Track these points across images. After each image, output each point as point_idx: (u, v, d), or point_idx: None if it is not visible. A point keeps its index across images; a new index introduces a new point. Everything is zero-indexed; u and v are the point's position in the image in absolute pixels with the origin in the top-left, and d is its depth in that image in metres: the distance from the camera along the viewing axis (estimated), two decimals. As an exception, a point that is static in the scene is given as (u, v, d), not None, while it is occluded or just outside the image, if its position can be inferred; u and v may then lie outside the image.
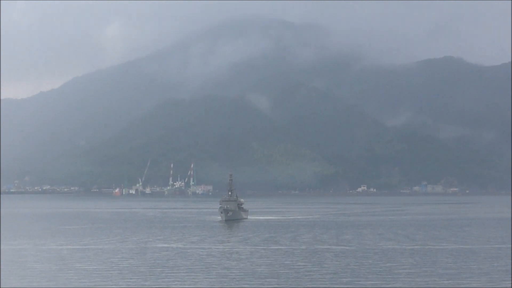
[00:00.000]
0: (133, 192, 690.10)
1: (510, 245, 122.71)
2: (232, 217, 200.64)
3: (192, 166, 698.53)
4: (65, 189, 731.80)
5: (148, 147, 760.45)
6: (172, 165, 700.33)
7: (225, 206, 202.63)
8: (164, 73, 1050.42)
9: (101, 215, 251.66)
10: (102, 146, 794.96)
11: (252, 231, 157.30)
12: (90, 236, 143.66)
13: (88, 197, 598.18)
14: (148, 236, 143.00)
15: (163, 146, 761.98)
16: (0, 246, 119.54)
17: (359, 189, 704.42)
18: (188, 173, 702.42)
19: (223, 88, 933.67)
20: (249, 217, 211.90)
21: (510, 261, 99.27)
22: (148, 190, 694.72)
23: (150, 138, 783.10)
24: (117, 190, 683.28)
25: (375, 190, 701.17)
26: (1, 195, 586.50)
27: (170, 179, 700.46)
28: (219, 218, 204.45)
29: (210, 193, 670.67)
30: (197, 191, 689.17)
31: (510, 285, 78.52)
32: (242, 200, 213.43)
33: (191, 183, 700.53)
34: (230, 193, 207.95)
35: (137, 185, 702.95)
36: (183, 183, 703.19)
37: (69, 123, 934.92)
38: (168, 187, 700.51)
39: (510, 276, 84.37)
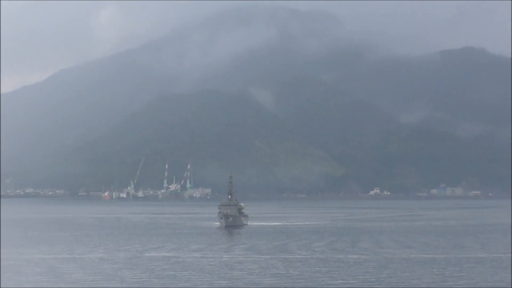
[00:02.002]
0: (124, 196, 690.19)
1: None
2: (233, 223, 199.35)
3: (189, 167, 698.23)
4: (50, 193, 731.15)
5: (141, 146, 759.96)
6: (167, 166, 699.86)
7: (225, 211, 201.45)
8: (159, 65, 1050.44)
9: (89, 221, 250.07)
10: (91, 145, 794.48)
11: (257, 239, 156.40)
12: (79, 245, 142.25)
13: (75, 201, 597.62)
14: (142, 245, 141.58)
15: (157, 145, 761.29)
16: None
17: (372, 192, 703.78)
18: (185, 175, 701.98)
19: (224, 81, 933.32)
20: (249, 223, 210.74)
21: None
22: (140, 194, 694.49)
23: (143, 136, 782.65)
24: (106, 193, 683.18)
25: (389, 193, 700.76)
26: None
27: (165, 181, 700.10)
28: (218, 224, 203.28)
29: (209, 197, 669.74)
30: (194, 195, 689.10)
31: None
32: (242, 204, 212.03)
33: (188, 185, 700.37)
34: (230, 196, 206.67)
35: (129, 188, 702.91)
36: (179, 186, 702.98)
37: (54, 120, 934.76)
38: (163, 190, 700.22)
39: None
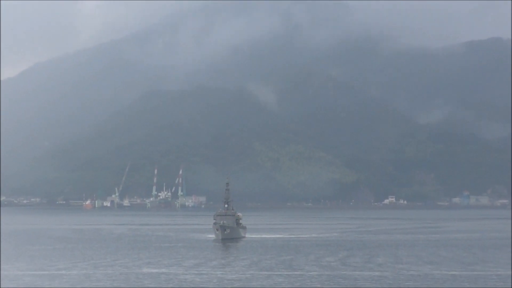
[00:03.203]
0: (108, 205, 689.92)
1: None
2: (230, 236, 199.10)
3: (180, 172, 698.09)
4: (25, 201, 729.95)
5: (127, 149, 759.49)
6: (156, 171, 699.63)
7: (221, 222, 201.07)
8: (147, 58, 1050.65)
9: (66, 233, 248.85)
10: (70, 148, 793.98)
11: (259, 253, 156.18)
12: (60, 259, 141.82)
13: (52, 210, 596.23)
14: (131, 260, 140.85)
15: (145, 148, 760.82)
16: None
17: (386, 201, 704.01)
18: (176, 181, 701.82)
19: (220, 77, 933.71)
20: (247, 235, 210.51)
21: None
22: (126, 202, 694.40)
23: (129, 138, 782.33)
24: (88, 202, 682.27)
25: (405, 202, 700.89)
26: None
27: (154, 188, 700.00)
28: (214, 236, 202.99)
29: (203, 206, 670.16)
30: (186, 203, 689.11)
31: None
32: (240, 214, 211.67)
33: (180, 193, 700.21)
34: (226, 205, 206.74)
35: (113, 196, 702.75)
36: (169, 194, 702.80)
37: (29, 119, 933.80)
38: (151, 199, 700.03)
39: None
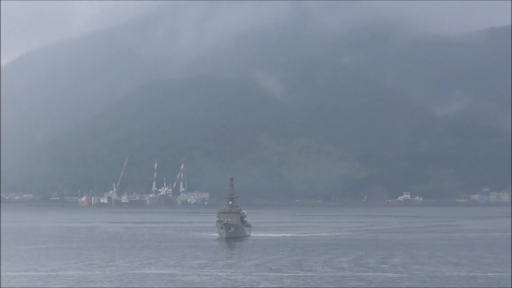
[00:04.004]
0: (105, 201, 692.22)
1: None
2: (234, 234, 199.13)
3: (182, 167, 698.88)
4: (17, 197, 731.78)
5: (125, 142, 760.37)
6: (156, 166, 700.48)
7: (226, 220, 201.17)
8: (146, 46, 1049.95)
9: (60, 231, 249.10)
10: (65, 142, 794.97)
11: (267, 253, 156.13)
12: (58, 259, 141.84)
13: (46, 207, 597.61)
14: (131, 260, 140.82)
15: (144, 142, 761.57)
16: None
17: (401, 198, 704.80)
18: (177, 177, 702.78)
19: (224, 67, 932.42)
20: (252, 234, 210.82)
21: None
22: (124, 199, 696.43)
23: (127, 130, 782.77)
24: (83, 198, 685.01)
25: (421, 199, 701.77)
26: None
27: (154, 184, 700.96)
28: (217, 235, 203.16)
29: (206, 203, 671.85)
30: (188, 200, 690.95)
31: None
32: (244, 211, 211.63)
33: (181, 189, 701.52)
34: (231, 202, 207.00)
35: (110, 192, 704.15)
36: (170, 190, 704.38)
37: (20, 111, 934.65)
38: (151, 195, 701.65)
39: None
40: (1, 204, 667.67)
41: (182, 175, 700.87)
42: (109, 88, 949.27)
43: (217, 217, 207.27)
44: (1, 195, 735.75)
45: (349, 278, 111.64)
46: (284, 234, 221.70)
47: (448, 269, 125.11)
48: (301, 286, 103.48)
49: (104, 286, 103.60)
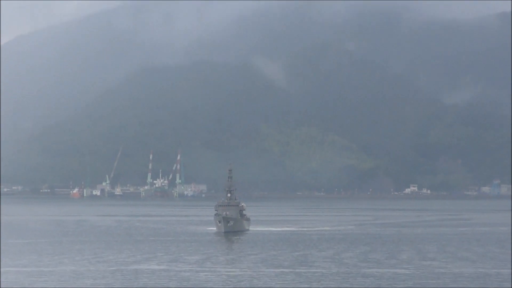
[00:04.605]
0: (98, 194, 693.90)
1: None
2: (233, 228, 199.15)
3: (178, 157, 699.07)
4: (5, 189, 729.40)
5: (119, 131, 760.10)
6: (151, 157, 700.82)
7: (224, 213, 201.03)
8: (142, 30, 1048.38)
9: (53, 225, 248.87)
10: (56, 130, 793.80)
11: (268, 248, 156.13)
12: (50, 253, 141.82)
13: (36, 199, 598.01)
14: (126, 255, 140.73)
15: (139, 131, 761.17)
16: None
17: (407, 190, 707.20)
18: (174, 168, 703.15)
19: (223, 51, 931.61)
20: (251, 228, 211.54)
21: None
22: (118, 191, 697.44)
23: (121, 119, 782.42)
24: (75, 190, 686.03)
25: (429, 191, 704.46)
26: None
27: (149, 175, 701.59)
28: (215, 229, 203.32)
29: (203, 195, 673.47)
30: (185, 192, 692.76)
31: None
32: (243, 204, 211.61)
33: (178, 181, 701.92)
34: (229, 195, 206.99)
35: (104, 183, 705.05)
36: (166, 182, 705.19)
37: (9, 98, 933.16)
38: (146, 187, 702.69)
39: None
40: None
41: (178, 166, 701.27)
42: (103, 75, 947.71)
43: (215, 210, 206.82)
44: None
45: (354, 275, 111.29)
46: (285, 228, 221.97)
47: (458, 265, 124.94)
48: (305, 284, 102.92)
49: (97, 282, 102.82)
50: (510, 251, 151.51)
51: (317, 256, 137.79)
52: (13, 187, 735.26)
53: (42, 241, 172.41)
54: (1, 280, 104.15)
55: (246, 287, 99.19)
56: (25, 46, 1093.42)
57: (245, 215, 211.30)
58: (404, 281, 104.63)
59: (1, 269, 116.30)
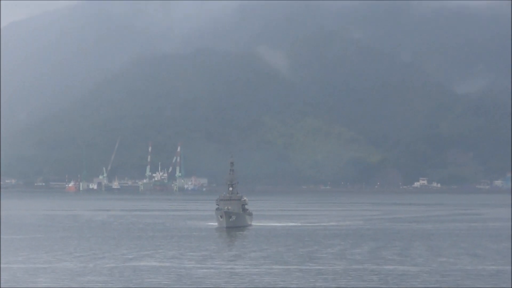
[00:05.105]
0: (95, 187, 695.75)
1: None
2: (235, 223, 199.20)
3: (178, 150, 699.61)
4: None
5: (116, 123, 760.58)
6: (150, 149, 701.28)
7: (226, 208, 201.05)
8: (140, 16, 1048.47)
9: (48, 220, 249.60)
10: (51, 122, 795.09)
11: (272, 244, 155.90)
12: (48, 249, 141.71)
13: (30, 193, 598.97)
14: (126, 251, 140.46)
15: (137, 122, 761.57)
16: None
17: (417, 184, 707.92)
18: (173, 161, 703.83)
19: (225, 39, 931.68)
20: (253, 223, 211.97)
21: None
22: (116, 185, 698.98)
23: (119, 109, 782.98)
24: (71, 184, 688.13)
25: (439, 185, 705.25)
26: None
27: (148, 168, 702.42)
28: (216, 224, 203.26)
29: (204, 189, 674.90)
30: (185, 186, 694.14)
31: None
32: (246, 199, 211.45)
33: (177, 174, 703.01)
34: (231, 189, 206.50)
35: (100, 177, 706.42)
36: (165, 175, 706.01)
37: (3, 89, 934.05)
38: (145, 180, 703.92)
39: None
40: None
41: (178, 159, 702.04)
42: (99, 64, 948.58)
43: (216, 204, 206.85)
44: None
45: (362, 272, 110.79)
46: (289, 224, 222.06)
47: (471, 262, 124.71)
48: (312, 283, 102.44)
49: (95, 279, 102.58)
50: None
51: (322, 253, 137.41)
52: (6, 181, 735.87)
53: (42, 237, 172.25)
54: (1, 279, 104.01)
55: (249, 286, 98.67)
56: (18, 34, 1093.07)
57: (247, 209, 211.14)
58: (415, 279, 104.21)
59: (0, 266, 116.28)
